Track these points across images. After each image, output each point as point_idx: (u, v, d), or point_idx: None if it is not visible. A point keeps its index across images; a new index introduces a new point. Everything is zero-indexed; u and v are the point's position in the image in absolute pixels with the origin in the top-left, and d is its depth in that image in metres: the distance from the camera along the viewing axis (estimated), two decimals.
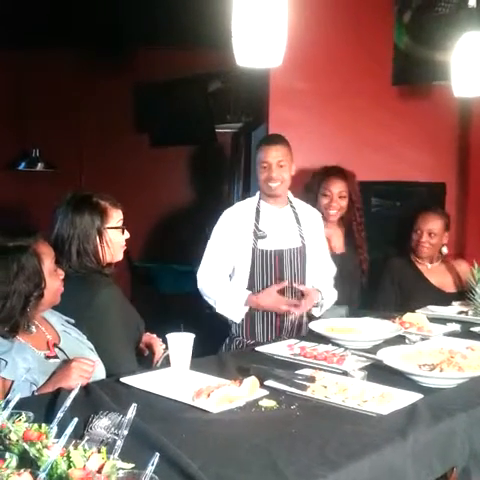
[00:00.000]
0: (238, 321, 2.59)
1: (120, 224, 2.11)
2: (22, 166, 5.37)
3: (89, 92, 5.16)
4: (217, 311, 2.60)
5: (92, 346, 1.88)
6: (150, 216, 4.99)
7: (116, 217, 2.10)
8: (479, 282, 2.65)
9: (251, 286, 2.59)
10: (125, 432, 1.13)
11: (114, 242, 2.08)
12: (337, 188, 3.01)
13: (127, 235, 2.14)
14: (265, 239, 2.59)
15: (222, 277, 2.63)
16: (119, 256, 2.14)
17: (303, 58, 3.54)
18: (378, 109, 3.76)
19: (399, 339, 2.20)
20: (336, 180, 3.03)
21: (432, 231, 3.09)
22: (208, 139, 4.74)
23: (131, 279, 4.15)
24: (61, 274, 1.85)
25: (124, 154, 5.22)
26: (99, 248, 2.05)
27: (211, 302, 2.62)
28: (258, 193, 2.73)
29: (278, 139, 2.71)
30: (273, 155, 2.61)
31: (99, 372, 1.78)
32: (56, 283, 1.82)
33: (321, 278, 2.72)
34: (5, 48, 4.76)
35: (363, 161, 3.30)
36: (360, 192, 3.14)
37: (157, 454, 0.99)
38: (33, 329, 1.78)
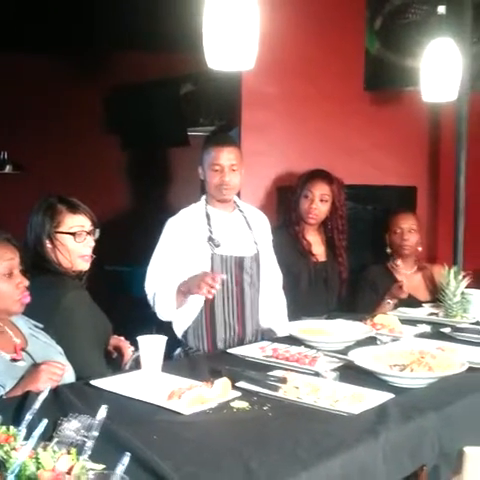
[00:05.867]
0: (172, 318, 2.42)
1: (74, 230, 2.02)
2: None
3: (59, 94, 5.12)
4: (160, 317, 2.45)
5: (61, 350, 1.85)
6: (121, 218, 4.95)
7: (70, 223, 2.03)
8: (449, 284, 2.69)
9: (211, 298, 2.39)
10: (95, 433, 1.12)
11: (69, 249, 2.02)
12: (319, 190, 2.93)
13: (87, 244, 2.04)
14: (220, 246, 2.46)
15: (172, 288, 2.41)
16: (79, 265, 2.05)
17: (275, 62, 3.56)
18: (351, 114, 3.79)
19: (371, 340, 2.22)
20: (320, 182, 2.95)
21: (412, 228, 3.15)
22: (180, 142, 4.72)
23: (103, 284, 4.12)
24: (21, 282, 1.75)
25: (94, 156, 5.18)
26: (50, 251, 2.01)
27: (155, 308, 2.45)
28: (203, 198, 2.58)
29: (231, 140, 2.60)
30: (226, 157, 2.46)
31: (68, 376, 1.75)
32: (4, 288, 1.72)
33: (271, 294, 2.63)
34: None
35: (335, 165, 3.31)
36: (345, 201, 3.04)
37: (127, 454, 0.98)
38: None
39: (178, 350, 2.50)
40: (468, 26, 3.28)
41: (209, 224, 2.51)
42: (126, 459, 0.97)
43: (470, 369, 1.85)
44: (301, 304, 2.85)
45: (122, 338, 2.12)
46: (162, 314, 2.46)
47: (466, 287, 2.71)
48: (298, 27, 3.61)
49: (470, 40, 3.36)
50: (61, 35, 4.65)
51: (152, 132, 4.82)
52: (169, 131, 4.80)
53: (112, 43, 4.71)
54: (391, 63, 3.89)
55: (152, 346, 1.73)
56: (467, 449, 1.56)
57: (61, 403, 1.50)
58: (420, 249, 3.23)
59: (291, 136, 3.73)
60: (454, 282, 2.67)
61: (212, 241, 2.46)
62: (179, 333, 2.49)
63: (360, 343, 2.14)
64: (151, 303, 2.47)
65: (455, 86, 2.40)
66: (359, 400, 1.58)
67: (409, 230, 3.14)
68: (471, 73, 3.36)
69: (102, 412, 1.16)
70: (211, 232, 2.48)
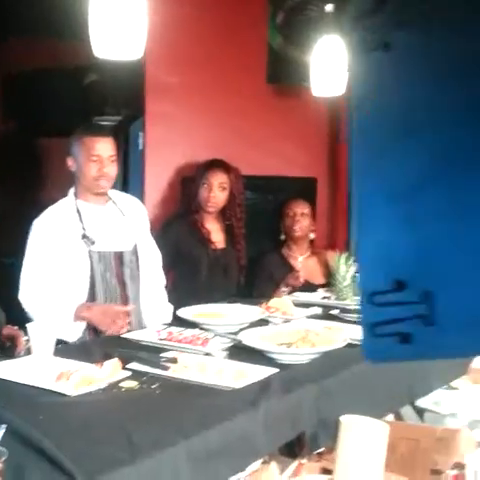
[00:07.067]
0: (74, 339, 2.29)
1: None
2: None
3: None
4: None
5: None
6: (18, 208, 4.81)
7: None
8: (339, 269, 2.85)
9: (92, 294, 2.38)
10: None
11: None
12: (217, 179, 3.03)
13: None
14: (96, 243, 2.40)
15: (50, 295, 2.32)
16: None
17: (179, 53, 3.61)
18: (254, 106, 3.90)
19: (264, 322, 2.33)
20: (218, 171, 3.06)
21: (303, 212, 3.32)
22: (79, 129, 4.64)
23: None
24: None
25: None
26: None
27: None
28: (72, 192, 2.48)
29: (107, 130, 2.55)
30: (105, 148, 2.40)
31: None
32: None
33: (152, 279, 2.62)
34: None
35: (238, 156, 3.41)
36: (243, 189, 3.17)
37: (4, 426, 1.01)
38: None
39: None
40: None
41: (81, 220, 2.43)
42: (2, 431, 1.00)
43: (351, 345, 1.99)
44: (201, 291, 2.93)
45: (15, 327, 2.11)
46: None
47: (356, 272, 2.89)
48: (201, 19, 3.66)
49: None
50: None
51: (54, 121, 4.72)
52: (73, 120, 4.72)
53: (12, 29, 4.57)
54: (292, 58, 4.02)
55: (42, 332, 1.75)
56: (342, 417, 1.69)
57: None
58: (313, 236, 3.39)
59: (196, 127, 3.78)
60: (344, 267, 2.84)
61: (87, 238, 2.39)
62: None
63: (254, 325, 2.24)
64: (32, 316, 2.31)
65: (342, 81, 2.54)
66: (244, 376, 1.67)
67: (301, 214, 3.32)
68: None
69: None
70: (84, 229, 2.41)
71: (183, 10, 3.51)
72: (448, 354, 0.70)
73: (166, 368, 1.69)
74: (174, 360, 1.73)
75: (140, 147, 3.74)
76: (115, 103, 4.73)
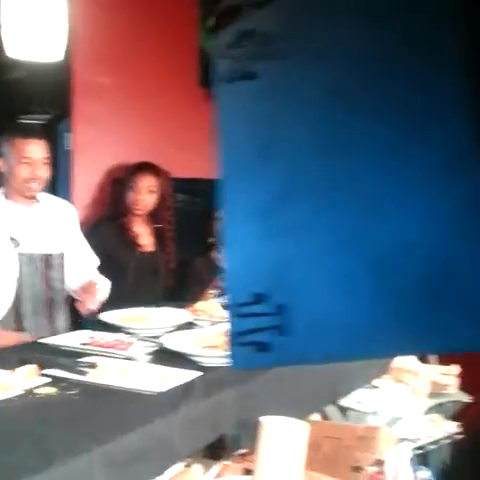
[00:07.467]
0: None
1: None
2: None
3: None
4: None
5: None
6: None
7: None
8: None
9: (18, 297, 2.34)
10: None
11: None
12: (146, 182, 3.03)
13: None
14: (24, 245, 2.35)
15: None
16: None
17: (108, 53, 3.56)
18: (184, 108, 3.89)
19: (191, 326, 2.32)
20: (146, 174, 3.05)
21: None
22: (10, 130, 4.50)
23: None
24: None
25: None
26: None
27: None
28: (0, 192, 2.43)
29: (40, 132, 2.54)
30: (37, 150, 2.36)
31: None
32: None
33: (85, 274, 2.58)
34: None
35: (169, 157, 3.40)
36: (173, 192, 3.18)
37: None
38: None
39: None
40: None
41: (9, 221, 2.37)
42: None
43: None
44: (128, 294, 2.89)
45: None
46: None
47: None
48: (130, 20, 3.63)
49: None
50: None
51: None
52: None
53: None
54: None
55: None
56: (262, 418, 1.70)
57: None
58: None
59: (125, 128, 3.74)
60: None
61: (14, 240, 2.34)
62: None
63: (180, 328, 2.23)
64: None
65: None
66: (166, 379, 1.66)
67: None
68: None
69: None
70: (12, 230, 2.36)
71: (113, 11, 3.47)
72: (303, 361, 0.74)
73: (84, 373, 1.66)
74: (93, 365, 1.70)
75: (66, 147, 3.66)
76: (41, 101, 4.61)
